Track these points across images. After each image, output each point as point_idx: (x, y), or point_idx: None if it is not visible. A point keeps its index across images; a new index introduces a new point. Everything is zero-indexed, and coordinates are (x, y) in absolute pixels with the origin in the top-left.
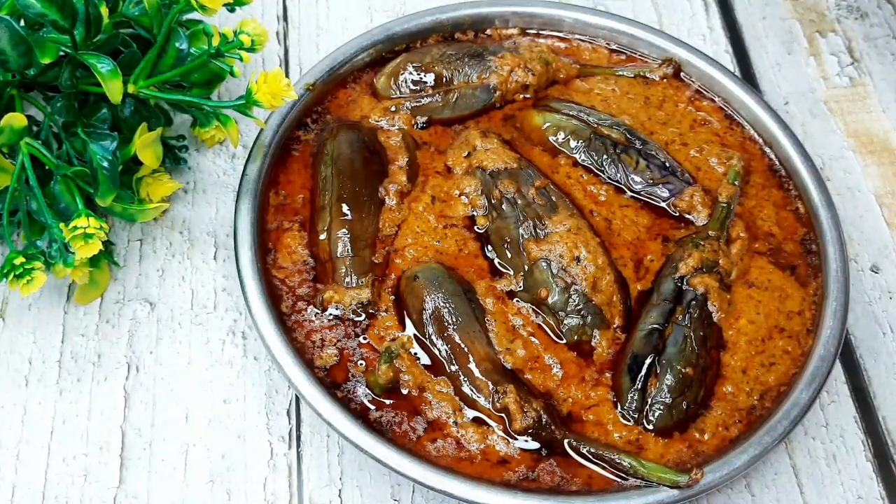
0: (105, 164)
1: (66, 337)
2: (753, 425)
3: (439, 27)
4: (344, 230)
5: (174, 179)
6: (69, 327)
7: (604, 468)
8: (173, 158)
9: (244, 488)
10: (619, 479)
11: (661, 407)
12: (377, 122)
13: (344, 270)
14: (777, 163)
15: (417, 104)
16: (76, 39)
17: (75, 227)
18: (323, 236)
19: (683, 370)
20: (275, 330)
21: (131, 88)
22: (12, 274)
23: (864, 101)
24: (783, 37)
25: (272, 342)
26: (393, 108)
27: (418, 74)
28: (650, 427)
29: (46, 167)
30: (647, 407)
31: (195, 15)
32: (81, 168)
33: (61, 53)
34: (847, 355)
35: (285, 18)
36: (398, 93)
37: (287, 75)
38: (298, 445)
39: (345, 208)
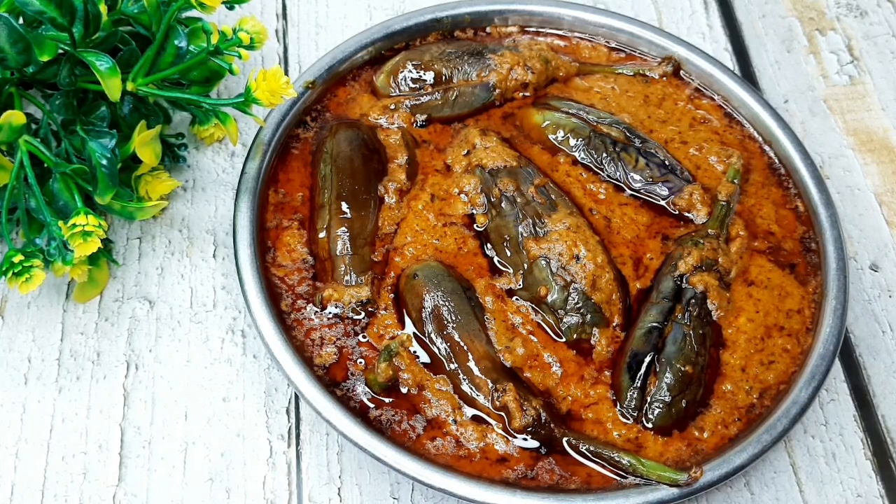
0: (104, 161)
1: (65, 335)
2: (753, 424)
3: (439, 25)
4: (343, 228)
5: (173, 177)
6: (68, 325)
7: (603, 466)
8: (172, 156)
9: (243, 487)
10: (618, 478)
11: (661, 405)
12: (376, 120)
13: (343, 269)
14: (776, 161)
15: (417, 102)
16: (75, 37)
17: (74, 225)
18: (322, 234)
19: (683, 368)
20: (274, 328)
21: (130, 86)
22: (11, 272)
23: (863, 99)
24: (783, 35)
25: (271, 341)
26: (392, 107)
27: (418, 72)
28: (649, 425)
29: (45, 165)
30: (647, 405)
31: (194, 12)
32: (80, 166)
33: (60, 51)
34: (846, 354)
35: (284, 16)
36: (397, 91)
37: (286, 73)
38: (298, 444)
39: (344, 206)
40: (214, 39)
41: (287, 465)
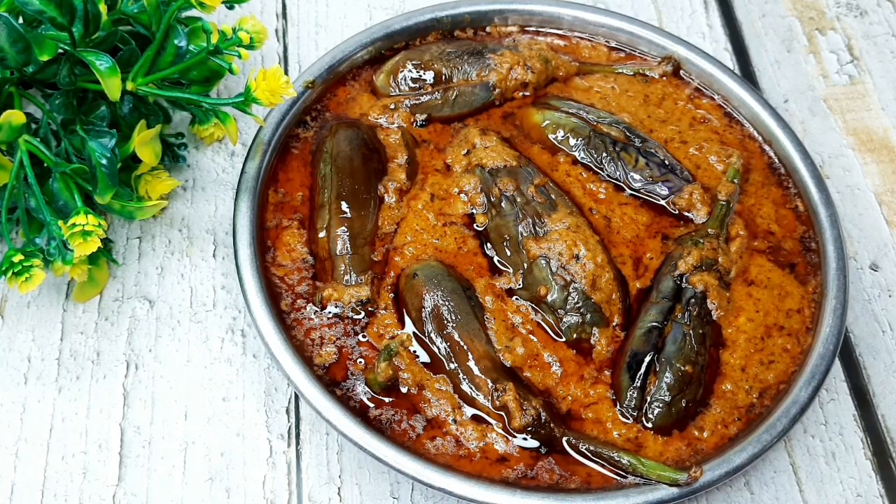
0: (104, 161)
1: (65, 335)
2: (752, 423)
3: (439, 25)
4: (343, 228)
5: (173, 177)
6: (68, 325)
7: (603, 466)
8: (172, 156)
9: (243, 486)
10: (618, 477)
11: (661, 405)
12: (376, 119)
13: (343, 268)
14: (776, 161)
15: (417, 102)
16: (75, 37)
17: (74, 225)
18: (322, 234)
19: (683, 368)
20: (274, 328)
21: (130, 86)
22: (11, 271)
23: (863, 98)
24: (782, 34)
25: (271, 340)
26: (392, 106)
27: (417, 72)
28: (649, 425)
29: (45, 164)
30: (647, 405)
31: (194, 12)
32: (80, 165)
33: (60, 51)
34: (846, 353)
35: (284, 16)
36: (397, 90)
37: (286, 73)
38: (298, 443)
39: (344, 206)
40: (214, 39)
41: (287, 464)
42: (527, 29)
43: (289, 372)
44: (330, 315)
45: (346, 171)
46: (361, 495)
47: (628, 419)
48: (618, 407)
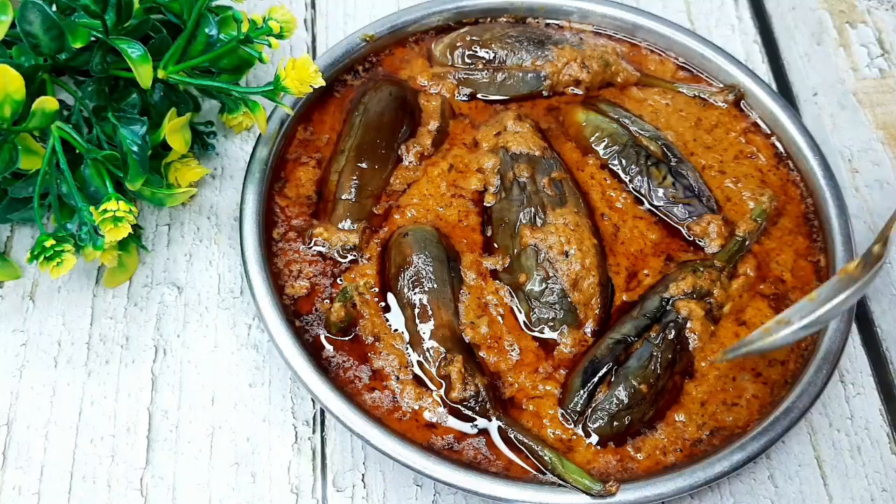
0: (135, 148)
1: (94, 319)
2: (693, 458)
3: (511, 8)
4: (354, 176)
5: (202, 165)
6: (98, 310)
7: (525, 459)
8: (201, 144)
9: (269, 471)
10: (537, 473)
11: (604, 415)
12: (422, 84)
13: (341, 212)
14: (812, 212)
15: (466, 77)
16: (107, 24)
17: (105, 211)
18: (333, 177)
19: (637, 386)
20: (256, 250)
21: (161, 74)
22: (42, 256)
23: (893, 92)
24: (812, 27)
25: (250, 259)
26: (441, 75)
27: (474, 49)
28: (586, 431)
29: (77, 151)
30: (590, 411)
31: (225, 1)
32: (111, 152)
33: (92, 38)
34: (873, 347)
35: (313, 6)
36: (451, 62)
37: (314, 62)
38: (322, 430)
39: (362, 156)
40: (245, 28)
41: (312, 450)
42: (599, 32)
43: (256, 292)
44: (314, 252)
45: (373, 125)
46: (385, 482)
47: (568, 422)
48: (561, 407)
